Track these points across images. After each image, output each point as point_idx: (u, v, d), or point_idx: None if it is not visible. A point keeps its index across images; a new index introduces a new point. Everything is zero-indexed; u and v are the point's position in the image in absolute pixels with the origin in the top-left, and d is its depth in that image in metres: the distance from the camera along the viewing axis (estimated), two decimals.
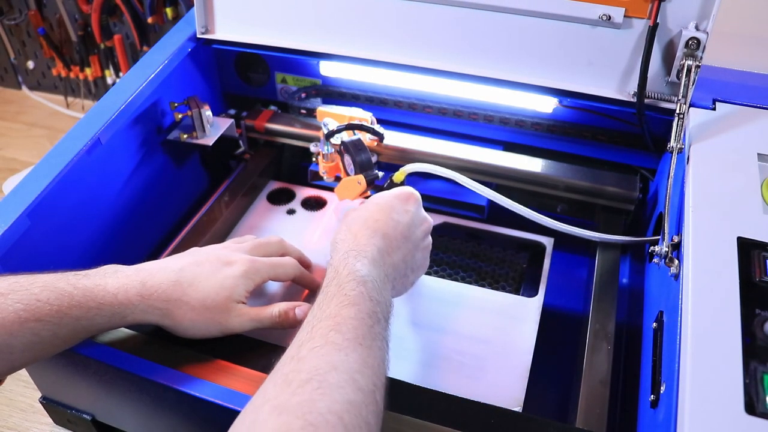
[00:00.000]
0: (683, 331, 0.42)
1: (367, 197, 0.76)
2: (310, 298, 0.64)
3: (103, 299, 0.48)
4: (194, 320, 0.51)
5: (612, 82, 0.65)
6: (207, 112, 0.75)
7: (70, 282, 0.48)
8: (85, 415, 0.60)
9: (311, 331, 0.43)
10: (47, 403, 0.62)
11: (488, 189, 0.65)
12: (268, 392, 0.38)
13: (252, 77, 0.88)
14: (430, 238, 0.60)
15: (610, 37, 0.63)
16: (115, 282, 0.49)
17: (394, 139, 0.76)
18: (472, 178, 0.75)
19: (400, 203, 0.58)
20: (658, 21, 0.59)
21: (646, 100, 0.63)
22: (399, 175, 0.68)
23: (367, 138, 0.74)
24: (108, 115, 0.66)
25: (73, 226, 0.63)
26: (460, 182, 0.66)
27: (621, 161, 0.77)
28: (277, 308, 0.54)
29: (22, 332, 0.45)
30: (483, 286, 0.70)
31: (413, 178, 0.79)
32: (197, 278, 0.52)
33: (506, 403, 0.55)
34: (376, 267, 0.50)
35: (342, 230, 0.55)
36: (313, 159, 0.78)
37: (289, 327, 0.55)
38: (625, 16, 0.61)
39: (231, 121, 0.79)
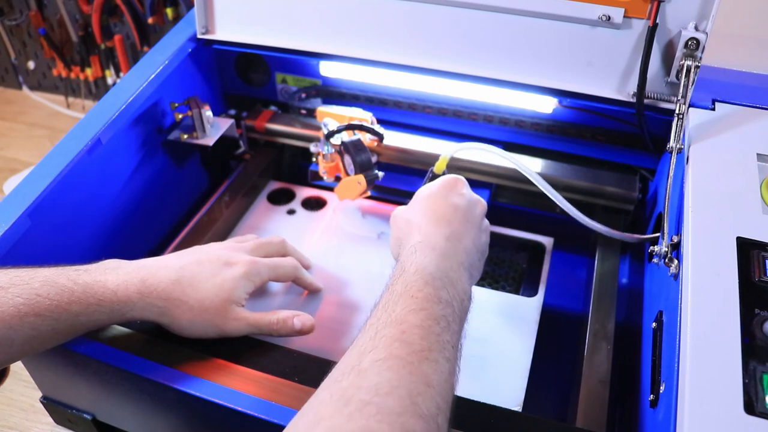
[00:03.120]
0: (683, 331, 0.42)
1: (368, 197, 0.76)
2: (310, 298, 0.64)
3: (102, 296, 0.48)
4: (192, 320, 0.51)
5: (611, 83, 0.65)
6: (207, 113, 0.75)
7: (70, 277, 0.48)
8: (85, 415, 0.60)
9: (375, 337, 0.40)
10: (48, 402, 0.62)
11: (531, 170, 0.64)
12: (323, 408, 0.36)
13: (252, 77, 0.88)
14: (486, 220, 0.59)
15: (609, 37, 0.63)
16: (115, 278, 0.49)
17: (394, 139, 0.76)
18: (472, 179, 0.75)
19: (451, 189, 0.56)
20: (657, 21, 0.59)
21: (645, 101, 0.63)
22: (440, 164, 0.65)
23: (367, 138, 0.74)
24: (108, 115, 0.66)
25: (73, 226, 0.64)
26: (505, 158, 0.64)
27: (620, 161, 0.77)
28: (275, 316, 0.54)
29: (22, 326, 0.45)
30: (483, 286, 0.70)
31: (411, 178, 0.79)
32: (197, 278, 0.52)
33: (506, 403, 0.55)
34: (447, 258, 0.48)
35: (401, 227, 0.54)
36: (313, 159, 0.78)
37: (286, 335, 0.55)
38: (624, 16, 0.61)
39: (231, 121, 0.79)
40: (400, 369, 0.38)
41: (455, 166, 0.75)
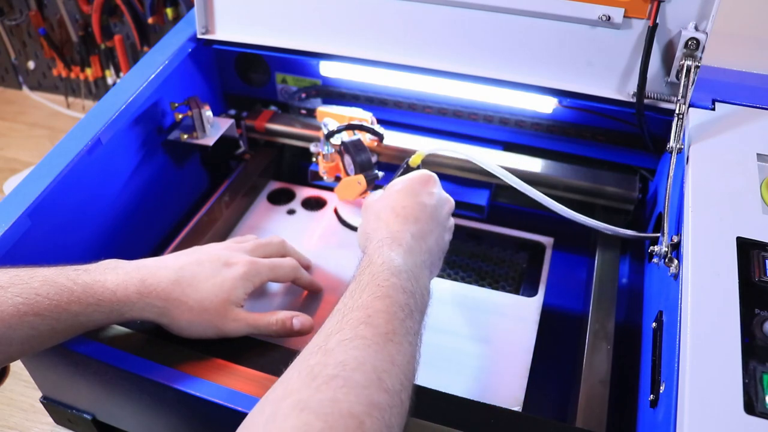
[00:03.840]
0: (683, 331, 0.42)
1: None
2: (310, 298, 0.64)
3: (101, 296, 0.48)
4: (191, 321, 0.51)
5: (611, 83, 0.65)
6: (207, 113, 0.75)
7: (69, 277, 0.48)
8: (85, 415, 0.60)
9: (341, 321, 0.42)
10: (48, 402, 0.62)
11: (502, 169, 0.65)
12: (291, 383, 0.38)
13: (252, 77, 0.88)
14: (452, 218, 0.60)
15: (609, 37, 0.63)
16: (114, 278, 0.49)
17: (394, 139, 0.76)
18: (472, 179, 0.75)
19: (422, 186, 0.57)
20: (657, 21, 0.59)
21: (645, 101, 0.63)
22: (416, 159, 0.67)
23: (367, 138, 0.74)
24: (108, 115, 0.66)
25: (73, 227, 0.64)
26: (475, 162, 0.65)
27: (620, 161, 0.77)
28: (274, 317, 0.54)
29: (21, 326, 0.45)
30: (483, 286, 0.70)
31: None
32: (197, 278, 0.52)
33: (506, 402, 0.55)
34: (412, 255, 0.50)
35: (370, 220, 0.55)
36: (313, 159, 0.78)
37: (285, 336, 0.55)
38: (624, 16, 0.61)
39: (231, 121, 0.79)
40: (365, 348, 0.39)
41: (456, 166, 0.75)
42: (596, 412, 0.52)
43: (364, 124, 0.73)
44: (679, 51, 0.60)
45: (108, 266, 0.51)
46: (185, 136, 0.75)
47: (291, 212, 0.78)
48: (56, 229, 0.61)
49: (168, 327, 0.52)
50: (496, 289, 0.70)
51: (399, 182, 0.58)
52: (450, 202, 0.60)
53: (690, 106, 0.60)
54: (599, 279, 0.65)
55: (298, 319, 0.55)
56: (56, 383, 0.61)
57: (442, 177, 0.77)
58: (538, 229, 0.75)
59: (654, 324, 0.51)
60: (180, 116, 0.74)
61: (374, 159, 0.73)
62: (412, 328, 0.44)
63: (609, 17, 0.61)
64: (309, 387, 0.37)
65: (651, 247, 0.53)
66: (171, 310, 0.51)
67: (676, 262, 0.49)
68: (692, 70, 0.59)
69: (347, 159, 0.71)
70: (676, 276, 0.48)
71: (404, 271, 0.47)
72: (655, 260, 0.52)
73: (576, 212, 0.62)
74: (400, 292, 0.45)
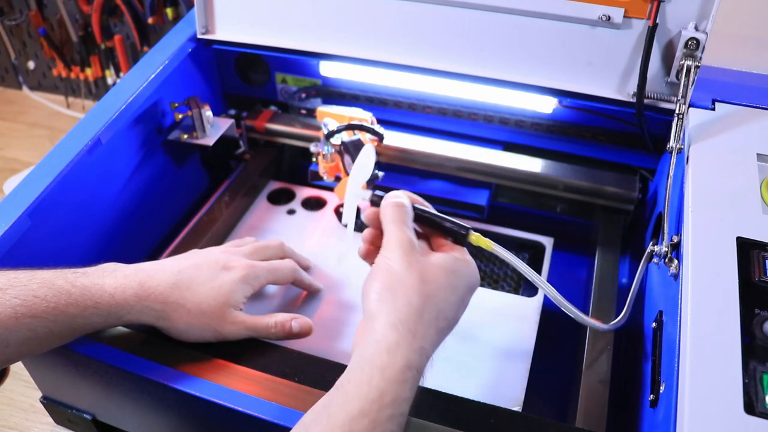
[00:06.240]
0: (683, 331, 0.42)
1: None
2: (309, 299, 0.64)
3: (100, 298, 0.48)
4: (190, 324, 0.51)
5: (611, 83, 0.65)
6: (207, 113, 0.75)
7: (68, 280, 0.48)
8: (85, 415, 0.60)
9: None
10: (48, 402, 0.62)
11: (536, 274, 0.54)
12: None
13: (252, 77, 0.88)
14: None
15: (609, 37, 0.63)
16: (112, 281, 0.49)
17: (394, 139, 0.76)
18: (472, 179, 0.75)
19: (471, 295, 0.49)
20: (657, 21, 0.59)
21: (645, 101, 0.63)
22: (479, 240, 0.52)
23: (367, 138, 0.74)
24: (108, 115, 0.66)
25: (73, 227, 0.64)
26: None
27: (620, 161, 0.77)
28: (273, 319, 0.54)
29: (18, 327, 0.45)
30: (483, 286, 0.70)
31: (411, 178, 0.79)
32: (195, 282, 0.52)
33: (506, 402, 0.55)
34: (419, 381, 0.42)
35: (401, 299, 0.43)
36: (313, 159, 0.78)
37: (284, 339, 0.55)
38: (624, 16, 0.61)
39: (231, 121, 0.79)
40: None
41: (458, 167, 0.75)
42: (596, 412, 0.52)
43: (364, 124, 0.73)
44: (679, 51, 0.60)
45: (106, 269, 0.51)
46: (185, 136, 0.75)
47: (291, 212, 0.78)
48: (56, 229, 0.61)
49: (166, 330, 0.52)
50: (496, 289, 0.70)
51: (450, 263, 0.47)
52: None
53: (690, 106, 0.60)
54: (599, 279, 0.65)
55: (297, 322, 0.55)
56: (56, 383, 0.61)
57: (442, 176, 0.78)
58: (538, 229, 0.75)
59: (654, 324, 0.51)
60: (180, 116, 0.74)
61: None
62: None
63: (609, 17, 0.61)
64: None
65: (651, 247, 0.53)
66: (169, 313, 0.50)
67: (676, 262, 0.49)
68: (692, 70, 0.59)
69: (347, 159, 0.71)
70: (676, 276, 0.48)
71: (408, 409, 0.40)
72: (655, 260, 0.52)
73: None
74: None
